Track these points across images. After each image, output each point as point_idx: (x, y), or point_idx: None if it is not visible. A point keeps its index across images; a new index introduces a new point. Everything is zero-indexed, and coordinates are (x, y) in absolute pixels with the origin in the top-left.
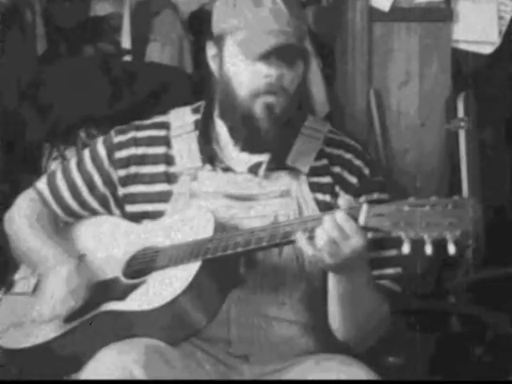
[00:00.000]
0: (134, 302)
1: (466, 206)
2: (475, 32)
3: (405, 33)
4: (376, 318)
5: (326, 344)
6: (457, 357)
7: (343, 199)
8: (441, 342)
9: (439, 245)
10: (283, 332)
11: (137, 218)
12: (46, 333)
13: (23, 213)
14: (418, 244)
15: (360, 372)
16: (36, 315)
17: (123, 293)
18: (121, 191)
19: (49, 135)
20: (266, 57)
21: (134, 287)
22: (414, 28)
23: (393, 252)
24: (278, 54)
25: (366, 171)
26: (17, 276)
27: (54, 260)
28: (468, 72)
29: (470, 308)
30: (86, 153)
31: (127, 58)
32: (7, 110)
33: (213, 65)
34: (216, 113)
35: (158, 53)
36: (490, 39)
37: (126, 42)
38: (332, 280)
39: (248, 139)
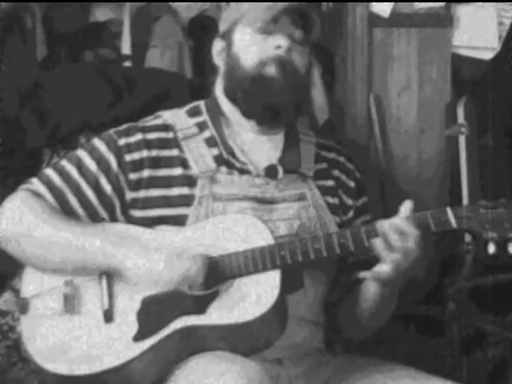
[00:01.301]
0: (219, 316)
1: None
2: (475, 38)
3: (405, 38)
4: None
5: (327, 341)
6: (456, 362)
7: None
8: (440, 348)
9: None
10: (306, 332)
11: (151, 223)
12: (116, 355)
13: (37, 210)
14: None
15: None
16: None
17: (198, 306)
18: (129, 196)
19: (49, 141)
20: (274, 31)
21: (207, 299)
22: (414, 34)
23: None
24: (287, 31)
25: (358, 175)
26: (26, 294)
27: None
28: (468, 77)
29: (469, 314)
30: (86, 156)
31: (127, 63)
32: (7, 116)
33: (218, 60)
34: (225, 109)
35: (157, 58)
36: (490, 45)
37: (125, 48)
38: (373, 287)
39: (258, 96)
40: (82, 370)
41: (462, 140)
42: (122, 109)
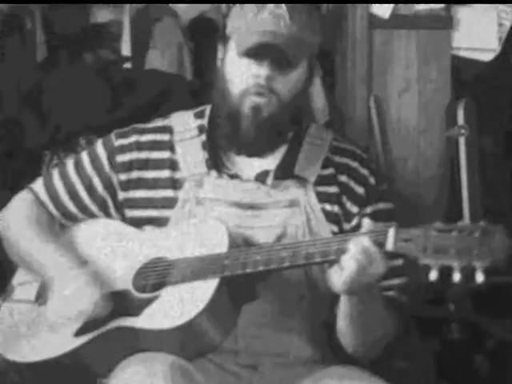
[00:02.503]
0: (149, 320)
1: (494, 233)
2: (475, 39)
3: (405, 40)
4: (384, 332)
5: (329, 353)
6: (456, 364)
7: (366, 222)
8: (440, 350)
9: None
10: (290, 341)
11: (138, 223)
12: (56, 347)
13: (21, 214)
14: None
15: None
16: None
17: (136, 308)
18: (121, 196)
19: (49, 142)
20: (257, 56)
21: (146, 302)
22: (413, 35)
23: (398, 262)
24: (270, 56)
25: (372, 180)
26: (15, 281)
27: (64, 266)
28: (468, 79)
29: (469, 315)
30: (85, 155)
31: (127, 65)
32: (7, 117)
33: (220, 67)
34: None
35: (157, 60)
36: (490, 46)
37: (125, 49)
38: (345, 302)
39: (229, 136)
40: (22, 358)
41: (461, 142)
42: (121, 110)
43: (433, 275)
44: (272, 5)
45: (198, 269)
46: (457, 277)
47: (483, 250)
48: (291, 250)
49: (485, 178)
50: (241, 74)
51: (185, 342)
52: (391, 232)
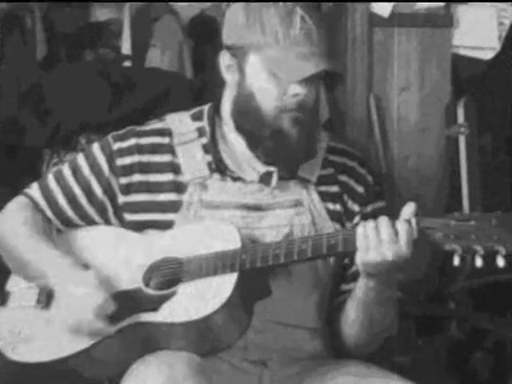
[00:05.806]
0: (169, 314)
1: (509, 219)
2: (475, 37)
3: (405, 38)
4: (387, 326)
5: (330, 348)
6: (456, 362)
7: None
8: (441, 347)
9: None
10: (296, 337)
11: (140, 227)
12: (73, 345)
13: (18, 219)
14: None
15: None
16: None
17: (154, 304)
18: (121, 199)
19: (49, 141)
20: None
21: (164, 298)
22: (413, 34)
23: None
24: (319, 79)
25: (370, 179)
26: (10, 287)
27: (68, 271)
28: (468, 77)
29: (469, 313)
30: (82, 160)
31: (127, 63)
32: (7, 116)
33: (227, 75)
34: (227, 123)
35: (158, 58)
36: (490, 45)
37: (126, 48)
38: (363, 288)
39: (277, 152)
40: (31, 358)
41: (461, 140)
42: (122, 109)
43: (456, 261)
44: (297, 18)
45: (214, 264)
46: (479, 262)
47: (503, 235)
48: (312, 242)
49: (485, 176)
50: (278, 94)
51: (202, 337)
52: (413, 221)
